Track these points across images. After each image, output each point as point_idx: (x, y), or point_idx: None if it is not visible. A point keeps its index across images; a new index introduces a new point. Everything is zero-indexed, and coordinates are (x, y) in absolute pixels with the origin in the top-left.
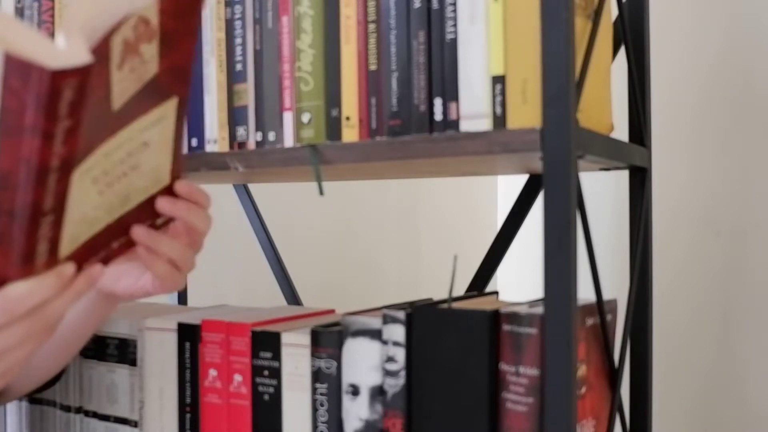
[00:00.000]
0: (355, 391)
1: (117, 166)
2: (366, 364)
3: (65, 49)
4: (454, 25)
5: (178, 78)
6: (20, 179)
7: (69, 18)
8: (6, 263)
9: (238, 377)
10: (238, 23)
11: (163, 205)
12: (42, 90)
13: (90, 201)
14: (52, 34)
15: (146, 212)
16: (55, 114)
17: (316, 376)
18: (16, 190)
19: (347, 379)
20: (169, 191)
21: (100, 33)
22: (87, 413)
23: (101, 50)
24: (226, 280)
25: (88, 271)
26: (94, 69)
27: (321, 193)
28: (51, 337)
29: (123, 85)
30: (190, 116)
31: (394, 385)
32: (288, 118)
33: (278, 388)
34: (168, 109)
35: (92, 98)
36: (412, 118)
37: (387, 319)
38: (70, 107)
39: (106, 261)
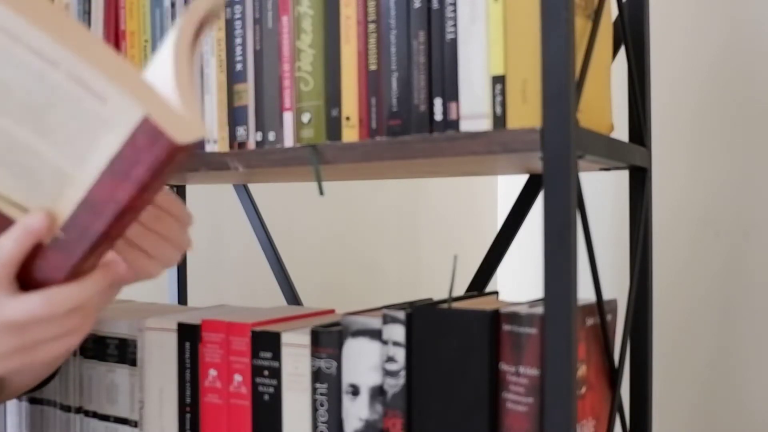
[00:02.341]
0: (355, 391)
1: None
2: (366, 364)
3: (189, 123)
4: (454, 25)
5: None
6: (104, 210)
7: (191, 90)
8: (59, 272)
9: (238, 377)
10: (238, 23)
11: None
12: (160, 155)
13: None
14: None
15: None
16: (161, 174)
17: (316, 376)
18: (96, 218)
19: (347, 379)
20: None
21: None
22: (87, 413)
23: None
24: (226, 280)
25: (114, 267)
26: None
27: (321, 193)
28: (89, 331)
29: None
30: None
31: (394, 385)
32: (288, 118)
33: (278, 388)
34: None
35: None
36: (412, 118)
37: (387, 319)
38: (173, 170)
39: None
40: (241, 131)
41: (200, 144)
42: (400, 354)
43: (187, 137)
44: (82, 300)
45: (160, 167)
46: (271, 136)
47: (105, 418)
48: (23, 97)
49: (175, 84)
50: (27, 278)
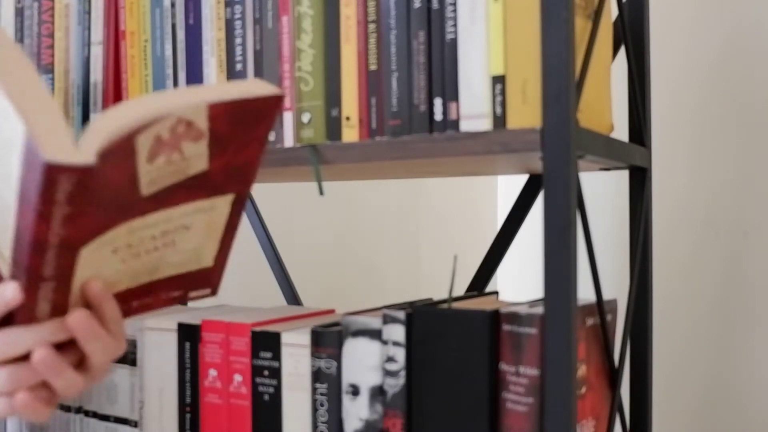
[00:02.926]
0: (355, 391)
1: (146, 241)
2: (366, 364)
3: (72, 148)
4: (454, 25)
5: (235, 177)
6: (23, 241)
7: (103, 120)
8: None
9: (238, 377)
10: (238, 23)
11: (72, 319)
12: (37, 175)
13: (109, 266)
14: (51, 34)
15: (175, 284)
16: (51, 199)
17: (316, 376)
18: (22, 249)
19: (347, 379)
20: (204, 273)
21: (122, 133)
22: (87, 413)
23: (121, 149)
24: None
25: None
26: (105, 167)
27: (321, 193)
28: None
29: (154, 174)
30: None
31: (394, 385)
32: (288, 118)
33: (278, 388)
34: (219, 202)
35: (107, 188)
36: (412, 118)
37: (387, 319)
38: (69, 197)
39: (123, 315)
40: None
41: (90, 174)
42: (400, 354)
43: (58, 158)
44: (26, 342)
45: (46, 191)
46: (271, 136)
47: (105, 418)
48: None
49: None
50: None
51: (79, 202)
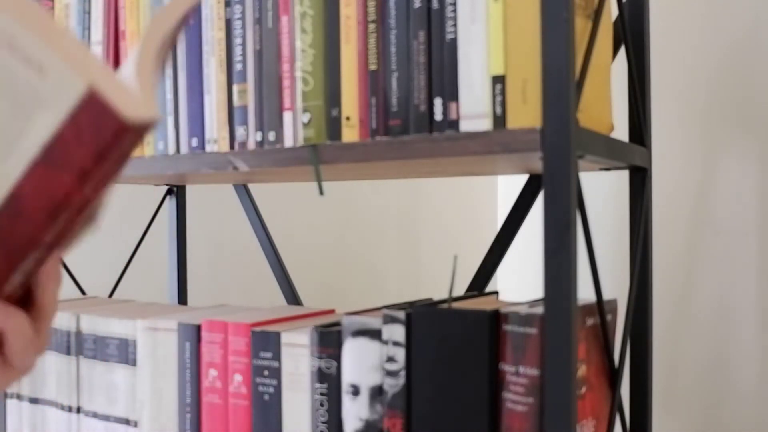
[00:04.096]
0: (355, 391)
1: None
2: (366, 364)
3: (141, 101)
4: (454, 25)
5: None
6: (32, 210)
7: (150, 73)
8: None
9: (238, 377)
10: (238, 23)
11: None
12: (106, 134)
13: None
14: None
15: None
16: (104, 160)
17: (316, 376)
18: (21, 220)
19: (347, 379)
20: None
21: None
22: (87, 413)
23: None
24: (226, 280)
25: None
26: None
27: (321, 193)
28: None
29: None
30: (191, 116)
31: (394, 385)
32: (288, 118)
33: (278, 388)
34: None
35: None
36: (412, 118)
37: (387, 319)
38: (119, 157)
39: None
40: (241, 131)
41: (151, 128)
42: (400, 354)
43: (139, 114)
44: None
45: (105, 151)
46: (271, 136)
47: (105, 418)
48: None
49: (134, 68)
50: None
51: (121, 162)
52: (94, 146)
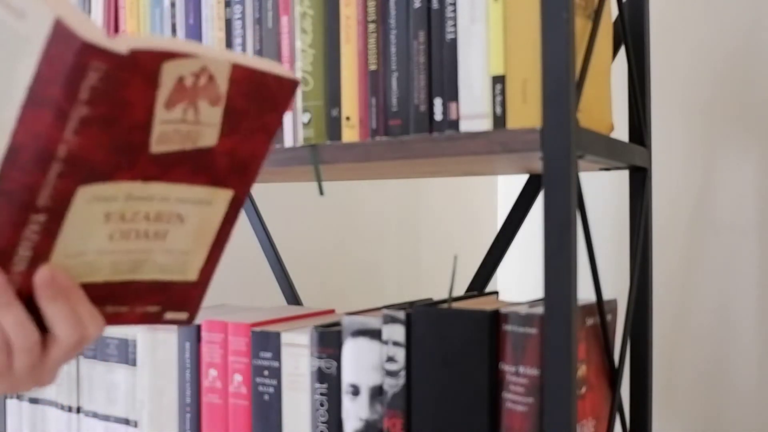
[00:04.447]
0: (355, 391)
1: (140, 219)
2: (366, 364)
3: (108, 37)
4: (454, 25)
5: (237, 171)
6: (26, 155)
7: (137, 34)
8: None
9: (238, 377)
10: (238, 23)
11: (42, 275)
12: (66, 61)
13: (95, 238)
14: None
15: (154, 296)
16: (74, 92)
17: (316, 376)
18: (19, 167)
19: (347, 379)
20: (186, 289)
21: (152, 46)
22: (87, 413)
23: (146, 64)
24: (226, 280)
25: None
26: (130, 71)
27: (321, 193)
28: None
29: (167, 128)
30: None
31: (394, 385)
32: (288, 118)
33: (278, 388)
34: (218, 196)
35: (123, 111)
36: (412, 118)
37: (387, 319)
38: (91, 92)
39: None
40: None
41: (120, 67)
42: (400, 354)
43: (96, 38)
44: None
45: (73, 78)
46: None
47: (105, 418)
48: None
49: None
50: None
51: (98, 104)
52: (63, 75)
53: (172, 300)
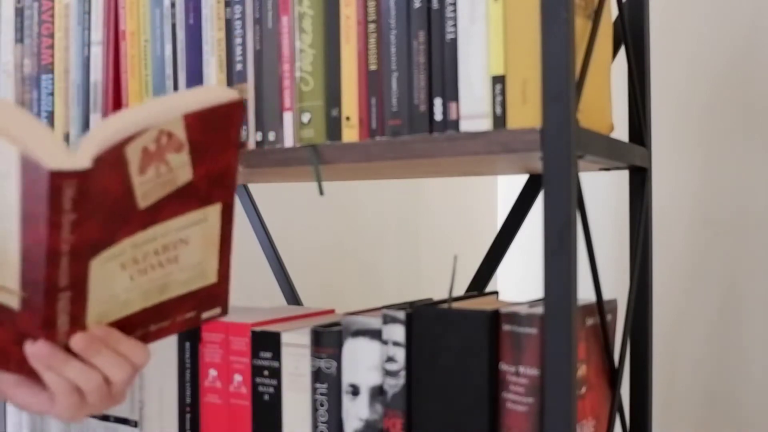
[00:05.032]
0: (355, 391)
1: (150, 256)
2: (366, 364)
3: (70, 155)
4: (454, 25)
5: (218, 185)
6: (37, 257)
7: (94, 131)
8: (32, 326)
9: (238, 377)
10: (238, 23)
11: (76, 341)
12: (43, 187)
13: (119, 283)
14: (51, 35)
15: (187, 304)
16: (58, 207)
17: (316, 376)
18: (35, 265)
19: (347, 379)
20: (211, 290)
21: (111, 142)
22: None
23: (112, 157)
24: None
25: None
26: (100, 173)
27: (321, 193)
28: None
29: (147, 187)
30: None
31: (394, 385)
32: (288, 118)
33: (278, 388)
34: (210, 212)
35: (106, 197)
36: (412, 118)
37: (387, 319)
38: (73, 203)
39: (143, 340)
40: (241, 131)
41: (89, 178)
42: (400, 354)
43: (60, 165)
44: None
45: (53, 197)
46: (271, 136)
47: (105, 418)
48: None
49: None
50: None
51: (82, 207)
52: (42, 198)
53: (203, 302)
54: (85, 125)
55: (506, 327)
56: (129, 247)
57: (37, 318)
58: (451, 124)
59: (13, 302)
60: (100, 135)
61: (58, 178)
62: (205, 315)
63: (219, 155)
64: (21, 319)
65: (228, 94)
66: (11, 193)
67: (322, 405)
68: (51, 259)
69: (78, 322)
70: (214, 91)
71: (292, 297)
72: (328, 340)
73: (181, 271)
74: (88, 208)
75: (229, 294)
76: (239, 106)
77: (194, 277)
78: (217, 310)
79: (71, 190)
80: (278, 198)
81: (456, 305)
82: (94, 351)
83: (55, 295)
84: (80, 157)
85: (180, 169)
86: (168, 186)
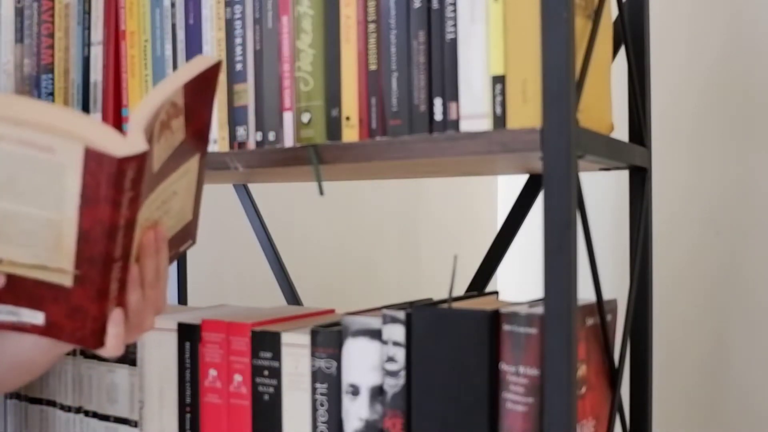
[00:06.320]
0: (355, 391)
1: (154, 212)
2: (366, 364)
3: (128, 141)
4: (454, 25)
5: (199, 139)
6: (97, 235)
7: (135, 115)
8: (85, 298)
9: (238, 377)
10: (238, 23)
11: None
12: (111, 172)
13: (137, 244)
14: (51, 34)
15: (171, 243)
16: (122, 188)
17: (316, 376)
18: (94, 244)
19: (347, 379)
20: (188, 227)
21: (149, 122)
22: (87, 413)
23: (150, 134)
24: (226, 280)
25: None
26: (149, 151)
27: (321, 193)
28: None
29: (159, 153)
30: None
31: (394, 385)
32: (288, 118)
33: (278, 388)
34: (192, 163)
35: (148, 171)
36: (412, 118)
37: (387, 319)
38: (132, 182)
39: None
40: (241, 131)
41: (145, 155)
42: (400, 354)
43: (126, 151)
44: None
45: (117, 181)
46: (271, 136)
47: (105, 418)
48: None
49: (134, 112)
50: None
51: (138, 185)
52: (108, 181)
53: (182, 239)
54: None
55: (506, 327)
56: (146, 210)
57: (91, 290)
58: (451, 124)
59: (67, 280)
60: (143, 116)
61: (124, 163)
62: (182, 248)
63: (202, 112)
64: (74, 295)
65: (211, 60)
66: (71, 184)
67: (322, 405)
68: (110, 235)
69: (124, 288)
70: (203, 59)
71: (292, 297)
72: (328, 340)
73: (170, 218)
74: (140, 185)
75: (197, 226)
76: (217, 68)
77: (179, 220)
78: (189, 242)
79: (132, 172)
80: (278, 198)
81: (456, 305)
82: (155, 250)
83: (110, 267)
84: (135, 141)
85: (178, 131)
86: (169, 149)
